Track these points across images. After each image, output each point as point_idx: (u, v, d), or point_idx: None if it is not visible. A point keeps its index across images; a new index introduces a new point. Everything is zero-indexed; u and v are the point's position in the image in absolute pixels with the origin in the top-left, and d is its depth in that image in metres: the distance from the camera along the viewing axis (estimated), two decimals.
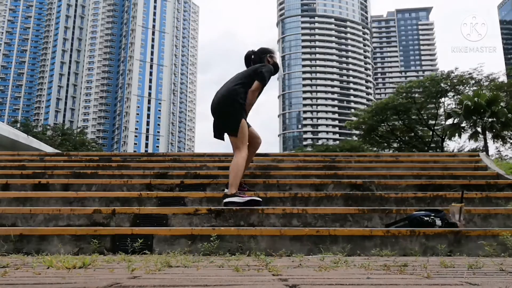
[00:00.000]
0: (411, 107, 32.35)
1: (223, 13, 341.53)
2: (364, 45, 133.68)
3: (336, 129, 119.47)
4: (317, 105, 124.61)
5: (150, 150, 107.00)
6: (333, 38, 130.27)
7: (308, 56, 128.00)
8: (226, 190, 3.82)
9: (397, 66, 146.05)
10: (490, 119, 25.24)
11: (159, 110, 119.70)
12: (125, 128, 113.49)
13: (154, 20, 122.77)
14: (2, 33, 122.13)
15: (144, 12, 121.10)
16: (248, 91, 3.91)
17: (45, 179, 4.58)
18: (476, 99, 25.06)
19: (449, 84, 31.09)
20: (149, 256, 2.56)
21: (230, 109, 3.85)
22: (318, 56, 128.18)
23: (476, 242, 2.91)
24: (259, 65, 4.03)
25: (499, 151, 30.48)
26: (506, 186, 4.47)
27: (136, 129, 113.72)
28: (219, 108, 3.91)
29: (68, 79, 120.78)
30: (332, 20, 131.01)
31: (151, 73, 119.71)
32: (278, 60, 4.34)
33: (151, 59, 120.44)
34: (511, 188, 4.42)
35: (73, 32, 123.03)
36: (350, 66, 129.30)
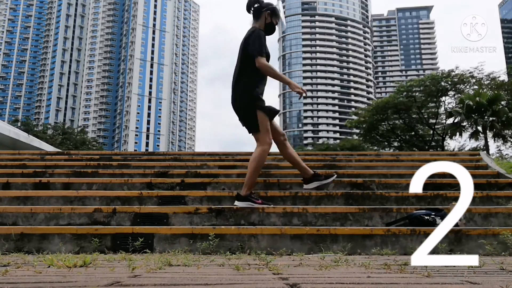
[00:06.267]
0: (411, 106, 32.33)
1: (217, 8, 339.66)
2: (365, 44, 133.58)
3: (337, 128, 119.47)
4: (318, 104, 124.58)
5: (150, 149, 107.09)
6: (333, 37, 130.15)
7: (308, 55, 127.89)
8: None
9: (398, 65, 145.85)
10: (491, 118, 25.23)
11: (160, 109, 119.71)
12: (125, 127, 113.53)
13: (154, 19, 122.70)
14: (3, 32, 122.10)
15: (145, 11, 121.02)
16: (253, 77, 3.67)
17: (46, 178, 4.59)
18: (477, 98, 25.05)
19: (449, 82, 31.06)
20: (150, 255, 2.56)
21: (244, 108, 3.70)
22: (318, 55, 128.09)
23: (477, 241, 2.92)
24: (245, 39, 3.75)
25: (499, 150, 30.47)
26: (506, 185, 4.47)
27: (136, 128, 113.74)
28: (236, 109, 3.77)
29: (69, 78, 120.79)
30: (333, 19, 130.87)
31: (151, 72, 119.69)
32: (281, 16, 4.11)
33: (152, 58, 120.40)
34: None
35: (73, 31, 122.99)
36: (351, 65, 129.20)
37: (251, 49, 3.65)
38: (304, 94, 3.76)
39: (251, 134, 3.74)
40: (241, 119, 3.77)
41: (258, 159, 3.60)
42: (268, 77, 3.82)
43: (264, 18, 3.83)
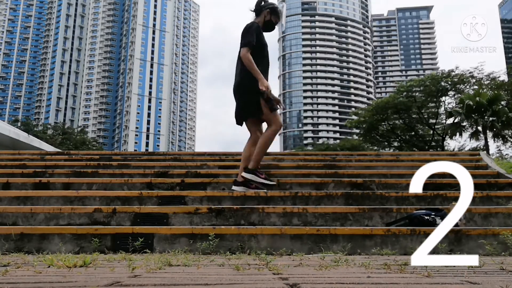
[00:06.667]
0: (411, 106, 32.31)
1: (217, 8, 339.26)
2: (365, 44, 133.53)
3: (337, 128, 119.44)
4: (318, 104, 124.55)
5: (150, 149, 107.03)
6: (333, 37, 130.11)
7: (308, 55, 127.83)
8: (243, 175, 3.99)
9: (398, 65, 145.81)
10: (490, 118, 25.23)
11: (160, 109, 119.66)
12: (125, 127, 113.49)
13: (154, 19, 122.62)
14: (3, 32, 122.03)
15: (145, 11, 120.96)
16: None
17: (46, 178, 4.59)
18: (477, 98, 25.05)
19: (449, 83, 31.05)
20: (150, 255, 2.56)
21: (246, 99, 3.94)
22: (318, 55, 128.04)
23: (477, 241, 2.92)
24: (242, 34, 4.02)
25: (499, 150, 30.47)
26: (506, 185, 4.47)
27: (136, 128, 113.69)
28: (239, 94, 3.99)
29: (69, 78, 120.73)
30: (333, 19, 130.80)
31: (151, 72, 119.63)
32: (283, 17, 4.33)
33: (152, 58, 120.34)
34: None
35: (73, 31, 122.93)
36: (351, 65, 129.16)
37: (242, 43, 3.93)
38: (266, 93, 3.85)
39: (248, 119, 3.99)
40: (242, 105, 3.97)
41: (269, 137, 3.91)
42: (268, 71, 4.09)
43: (264, 16, 4.10)
